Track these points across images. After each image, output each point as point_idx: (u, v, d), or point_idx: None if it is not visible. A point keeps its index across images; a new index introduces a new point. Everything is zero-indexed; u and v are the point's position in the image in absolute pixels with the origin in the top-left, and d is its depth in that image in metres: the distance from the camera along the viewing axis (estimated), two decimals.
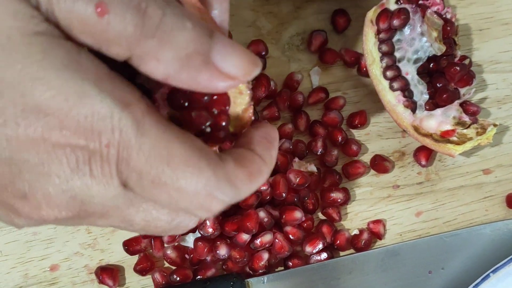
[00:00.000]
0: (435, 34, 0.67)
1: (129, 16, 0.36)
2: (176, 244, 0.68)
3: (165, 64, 0.38)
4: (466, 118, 0.69)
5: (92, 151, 0.36)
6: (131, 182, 0.38)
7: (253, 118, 0.46)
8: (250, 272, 0.67)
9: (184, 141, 0.39)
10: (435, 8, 0.69)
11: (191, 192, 0.38)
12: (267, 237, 0.66)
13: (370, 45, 0.70)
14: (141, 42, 0.37)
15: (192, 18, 0.38)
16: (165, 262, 0.68)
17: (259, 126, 0.45)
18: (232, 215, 0.67)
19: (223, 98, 0.43)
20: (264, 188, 0.66)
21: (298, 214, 0.67)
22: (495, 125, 0.68)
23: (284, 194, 0.67)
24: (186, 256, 0.68)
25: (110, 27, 0.36)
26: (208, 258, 0.67)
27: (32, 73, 0.35)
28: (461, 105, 0.69)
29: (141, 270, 0.68)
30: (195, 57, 0.38)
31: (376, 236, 0.70)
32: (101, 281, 0.67)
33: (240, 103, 0.45)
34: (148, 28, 0.37)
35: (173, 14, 0.38)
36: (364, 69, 0.72)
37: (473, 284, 0.63)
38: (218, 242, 0.66)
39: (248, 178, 0.41)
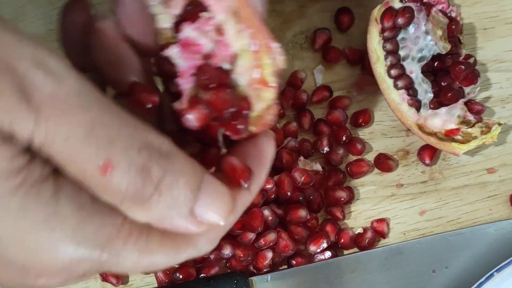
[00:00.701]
0: (440, 32, 0.67)
1: (133, 175, 0.36)
2: None
3: (152, 215, 0.38)
4: (470, 117, 0.69)
5: None
6: None
7: (273, 119, 0.44)
8: (254, 270, 0.67)
9: (164, 245, 0.40)
10: (440, 7, 0.69)
11: None
12: (271, 236, 0.66)
13: (374, 44, 0.70)
14: (137, 199, 0.37)
15: (185, 169, 0.39)
16: None
17: (257, 141, 0.45)
18: None
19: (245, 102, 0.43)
20: (270, 186, 0.66)
21: (302, 213, 0.66)
22: (499, 124, 0.68)
23: (289, 193, 0.66)
24: None
25: (110, 183, 0.36)
26: (212, 257, 0.67)
27: (9, 232, 0.35)
28: (465, 104, 0.69)
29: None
30: (181, 209, 0.39)
31: (379, 235, 0.70)
32: (105, 279, 0.67)
33: (264, 98, 0.43)
34: (147, 187, 0.37)
35: (172, 172, 0.38)
36: (369, 67, 0.72)
37: (477, 283, 0.63)
38: (222, 241, 0.65)
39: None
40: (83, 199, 0.37)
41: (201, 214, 0.40)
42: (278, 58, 0.43)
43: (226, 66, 0.43)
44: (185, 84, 0.43)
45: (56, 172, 0.36)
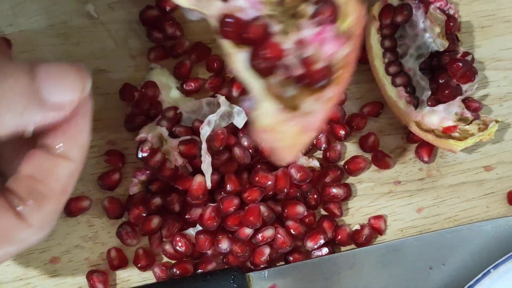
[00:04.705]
0: (438, 29, 0.67)
1: None
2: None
3: (7, 128, 0.40)
4: (468, 114, 0.69)
5: None
6: None
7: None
8: (251, 266, 0.67)
9: None
10: (438, 4, 0.69)
11: None
12: (268, 232, 0.66)
13: (372, 41, 0.70)
14: None
15: (8, 75, 0.40)
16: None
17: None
18: (234, 210, 0.67)
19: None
20: (269, 183, 0.66)
21: (300, 209, 0.67)
22: (497, 121, 0.68)
23: (286, 190, 0.67)
24: None
25: None
26: (209, 252, 0.67)
27: None
28: (463, 101, 0.70)
29: (141, 267, 0.67)
30: (31, 108, 0.40)
31: (377, 231, 0.70)
32: (92, 285, 0.67)
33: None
34: None
35: None
36: (361, 56, 0.72)
37: (474, 279, 0.63)
38: (220, 236, 0.66)
39: None
40: None
41: (52, 96, 0.40)
42: None
43: None
44: None
45: None
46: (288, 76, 0.43)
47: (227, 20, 0.43)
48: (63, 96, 0.41)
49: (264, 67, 0.43)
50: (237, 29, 0.43)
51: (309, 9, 0.43)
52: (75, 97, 0.42)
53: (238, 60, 0.44)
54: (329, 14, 0.42)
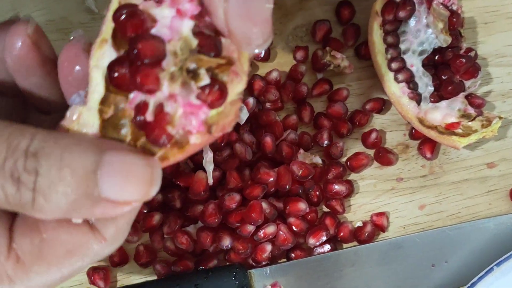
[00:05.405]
0: (441, 25, 0.67)
1: (8, 186, 0.37)
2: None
3: (50, 214, 0.37)
4: (471, 111, 0.68)
5: None
6: None
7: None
8: (253, 263, 0.67)
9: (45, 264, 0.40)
10: (441, 0, 0.69)
11: None
12: (270, 229, 0.66)
13: (375, 37, 0.69)
14: (21, 206, 0.37)
15: (68, 159, 0.37)
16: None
17: None
18: (236, 206, 0.67)
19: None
20: (271, 179, 0.66)
21: (302, 206, 0.66)
22: (500, 118, 0.68)
23: (287, 186, 0.66)
24: None
25: None
26: (211, 249, 0.67)
27: None
28: (466, 97, 0.69)
29: (141, 264, 0.67)
30: (83, 202, 0.37)
31: (379, 228, 0.70)
32: (92, 282, 0.67)
33: (231, 91, 0.40)
34: (24, 193, 0.37)
35: (48, 170, 0.36)
36: (363, 52, 0.73)
37: (477, 277, 0.63)
38: (222, 233, 0.65)
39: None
40: None
41: (111, 195, 0.37)
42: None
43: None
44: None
45: None
46: (134, 110, 0.39)
47: (130, 11, 0.37)
48: (122, 196, 0.37)
49: (123, 83, 0.38)
50: (133, 29, 0.38)
51: (205, 79, 0.38)
52: (136, 200, 0.38)
53: (104, 55, 0.38)
54: (211, 99, 0.39)
